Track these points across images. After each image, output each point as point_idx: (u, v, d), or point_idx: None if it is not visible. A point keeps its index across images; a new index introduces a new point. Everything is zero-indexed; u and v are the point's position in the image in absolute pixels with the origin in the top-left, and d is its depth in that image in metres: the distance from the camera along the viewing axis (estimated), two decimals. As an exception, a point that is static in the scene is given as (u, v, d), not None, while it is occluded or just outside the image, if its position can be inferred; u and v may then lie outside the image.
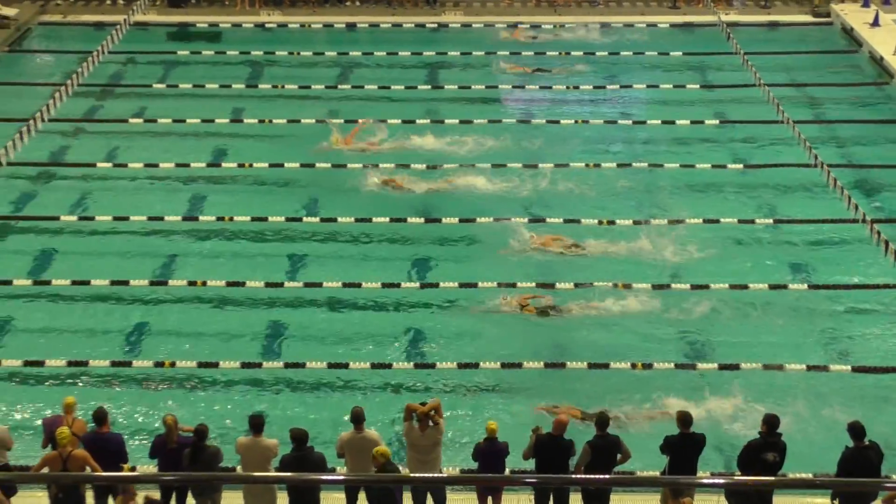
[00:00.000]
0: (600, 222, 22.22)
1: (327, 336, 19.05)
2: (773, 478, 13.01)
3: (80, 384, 17.61)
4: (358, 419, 13.66)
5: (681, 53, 31.17)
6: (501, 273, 20.43)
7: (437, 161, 24.67)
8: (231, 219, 22.26)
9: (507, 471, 13.90)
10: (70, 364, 17.92)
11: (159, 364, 17.96)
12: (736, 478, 13.58)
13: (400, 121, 26.68)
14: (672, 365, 17.99)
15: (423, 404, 14.01)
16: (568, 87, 29.00)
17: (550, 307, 19.48)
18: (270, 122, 26.88)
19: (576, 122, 26.92)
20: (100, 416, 13.56)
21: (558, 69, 30.03)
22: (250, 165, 24.64)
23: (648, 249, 21.22)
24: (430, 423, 13.80)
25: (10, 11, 32.83)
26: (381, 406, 16.95)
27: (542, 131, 26.53)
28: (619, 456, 13.65)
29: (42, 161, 24.88)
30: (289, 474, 12.58)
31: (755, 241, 21.87)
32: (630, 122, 27.04)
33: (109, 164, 24.67)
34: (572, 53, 30.89)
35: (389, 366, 18.02)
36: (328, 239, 22.00)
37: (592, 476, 13.24)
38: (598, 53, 30.99)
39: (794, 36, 32.82)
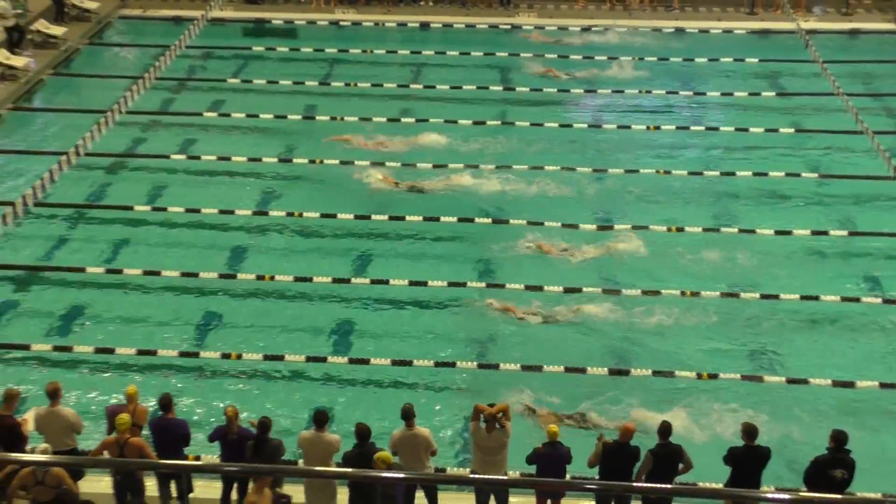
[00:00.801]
0: (669, 229, 22.02)
1: (391, 333, 19.09)
2: (840, 496, 12.76)
3: (148, 373, 17.84)
4: (408, 416, 13.67)
5: (757, 60, 30.79)
6: (568, 278, 20.34)
7: (506, 161, 24.62)
8: (300, 214, 22.40)
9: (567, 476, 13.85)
10: (139, 353, 18.15)
11: (226, 356, 18.14)
12: (802, 494, 13.34)
13: (471, 122, 26.71)
14: (738, 376, 17.71)
15: (492, 405, 13.97)
16: (640, 92, 28.81)
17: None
18: (342, 119, 27.03)
19: (647, 128, 26.71)
20: (165, 403, 13.75)
21: (583, 72, 30.05)
22: (321, 162, 24.78)
23: (715, 259, 20.97)
24: (497, 426, 13.76)
25: (91, 5, 33.45)
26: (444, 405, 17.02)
27: (611, 136, 26.36)
28: (680, 465, 13.52)
29: (118, 152, 25.25)
30: (349, 470, 12.59)
31: (828, 253, 21.47)
32: (703, 128, 26.76)
33: (183, 157, 24.97)
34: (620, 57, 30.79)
35: (453, 364, 17.99)
36: (398, 237, 22.06)
37: (653, 485, 13.12)
38: (646, 58, 30.84)
39: (876, 44, 32.26)
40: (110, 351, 18.16)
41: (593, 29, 33.14)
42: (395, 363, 17.90)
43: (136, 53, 31.64)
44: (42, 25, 30.92)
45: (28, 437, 13.81)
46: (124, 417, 13.11)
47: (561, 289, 19.93)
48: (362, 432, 13.32)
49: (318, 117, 27.31)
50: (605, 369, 17.92)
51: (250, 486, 12.92)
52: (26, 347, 18.25)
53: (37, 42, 30.40)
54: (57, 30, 31.13)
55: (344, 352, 18.48)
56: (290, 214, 22.45)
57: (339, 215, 22.33)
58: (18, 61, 28.79)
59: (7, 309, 19.73)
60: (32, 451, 12.82)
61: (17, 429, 13.59)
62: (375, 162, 24.50)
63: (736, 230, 21.96)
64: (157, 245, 21.81)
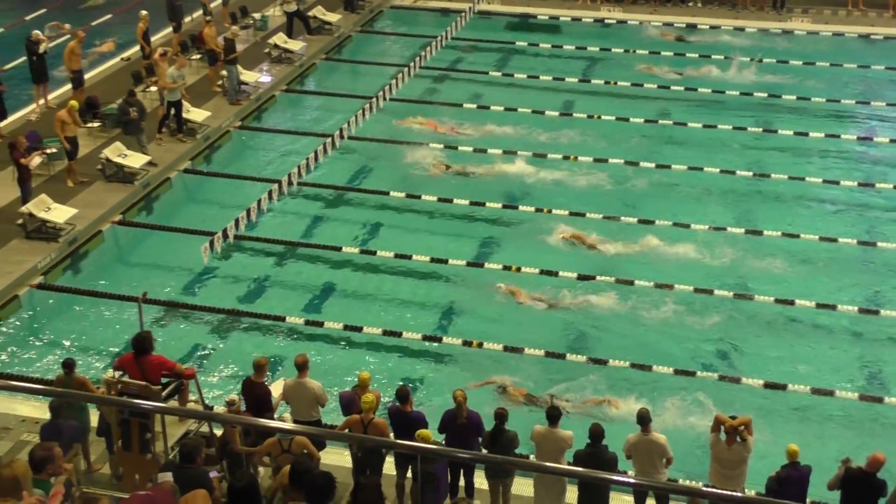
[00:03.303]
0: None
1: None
2: None
3: (394, 354, 18.32)
4: (644, 420, 13.44)
5: None
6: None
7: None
8: (549, 211, 22.40)
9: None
10: (385, 333, 18.66)
11: (467, 343, 18.39)
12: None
13: (730, 127, 26.00)
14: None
15: (734, 418, 13.58)
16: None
17: None
18: (599, 117, 26.89)
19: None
20: (403, 395, 13.93)
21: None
22: (575, 159, 24.73)
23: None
24: (738, 439, 13.35)
25: (366, -6, 34.69)
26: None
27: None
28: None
29: (378, 137, 26.02)
30: (579, 469, 12.50)
31: None
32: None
33: (440, 146, 25.47)
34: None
35: (693, 373, 17.59)
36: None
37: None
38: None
39: None
40: (358, 329, 18.76)
41: (871, 37, 31.55)
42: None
43: (403, 42, 32.56)
44: (319, 12, 32.30)
45: (276, 406, 14.47)
46: (370, 397, 13.47)
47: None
48: (595, 433, 13.19)
49: (575, 114, 27.26)
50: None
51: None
52: (281, 319, 19.12)
53: (313, 28, 31.80)
54: (332, 16, 32.45)
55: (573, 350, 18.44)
56: (538, 210, 22.49)
57: (588, 214, 22.23)
58: (294, 45, 30.20)
59: (266, 281, 20.75)
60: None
61: (267, 398, 14.26)
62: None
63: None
64: (409, 230, 22.37)
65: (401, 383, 16.00)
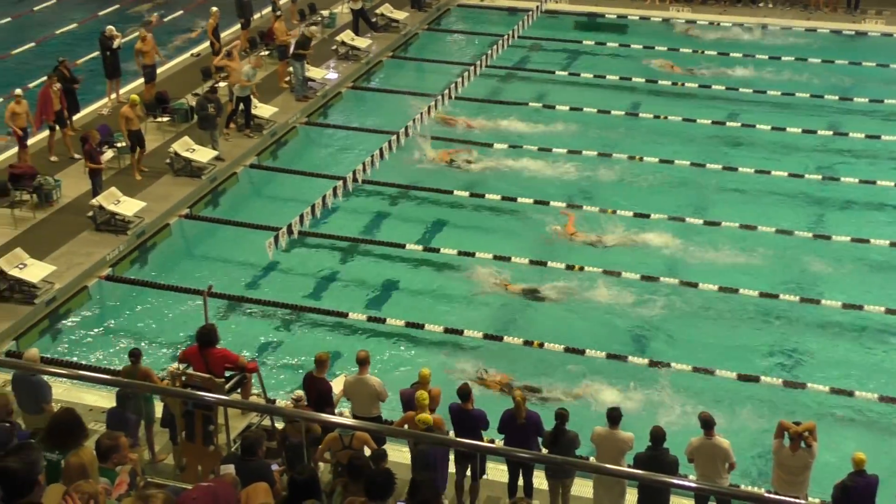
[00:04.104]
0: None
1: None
2: None
3: (455, 351, 18.33)
4: (708, 425, 13.30)
5: None
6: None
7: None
8: (614, 212, 22.28)
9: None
10: (446, 331, 18.68)
11: (528, 343, 18.32)
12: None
13: (799, 130, 25.70)
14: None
15: (798, 424, 13.40)
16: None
17: None
18: (665, 118, 26.69)
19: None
20: (464, 393, 13.92)
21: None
22: (640, 159, 24.56)
23: None
24: (803, 445, 13.17)
25: (434, -7, 34.75)
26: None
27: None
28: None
29: (443, 136, 26.03)
30: (639, 472, 12.39)
31: None
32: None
33: (505, 146, 25.44)
34: None
35: (756, 379, 17.38)
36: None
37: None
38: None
39: None
40: (419, 326, 18.81)
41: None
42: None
43: (469, 41, 32.56)
44: (386, 9, 32.41)
45: (337, 401, 14.55)
46: (423, 394, 13.50)
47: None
48: (657, 435, 13.09)
49: (641, 114, 27.08)
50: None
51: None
52: (344, 315, 19.23)
53: (380, 25, 31.92)
54: (399, 14, 32.55)
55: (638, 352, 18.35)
56: (602, 211, 22.38)
57: (653, 215, 22.07)
58: (361, 42, 30.35)
59: (330, 277, 20.88)
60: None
61: (328, 393, 14.33)
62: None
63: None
64: (471, 228, 22.40)
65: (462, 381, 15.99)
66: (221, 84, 26.31)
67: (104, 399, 15.50)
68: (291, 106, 26.86)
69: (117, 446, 9.55)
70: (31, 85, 26.41)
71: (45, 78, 23.93)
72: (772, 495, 12.80)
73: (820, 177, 23.83)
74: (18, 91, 23.05)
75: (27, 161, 22.60)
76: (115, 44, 26.04)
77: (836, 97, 27.76)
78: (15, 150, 23.20)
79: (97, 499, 7.62)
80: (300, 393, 14.16)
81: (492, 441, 14.10)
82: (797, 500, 11.87)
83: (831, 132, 25.90)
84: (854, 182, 23.46)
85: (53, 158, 23.47)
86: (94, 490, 7.70)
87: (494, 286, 20.05)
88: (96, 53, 27.32)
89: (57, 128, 23.53)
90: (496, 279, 20.13)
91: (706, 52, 30.87)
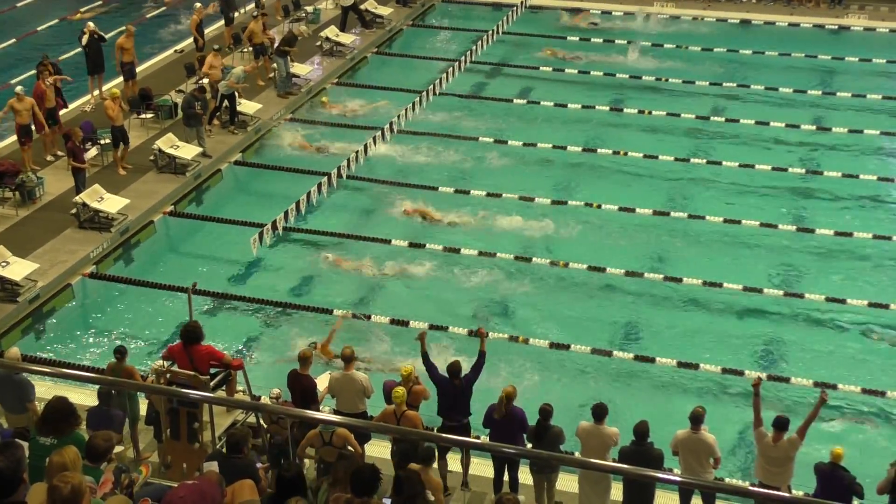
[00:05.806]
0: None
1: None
2: None
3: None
4: (696, 420, 13.35)
5: None
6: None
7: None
8: (599, 206, 22.32)
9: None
10: (431, 327, 18.56)
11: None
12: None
13: (783, 124, 25.74)
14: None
15: (786, 418, 13.42)
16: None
17: None
18: (649, 113, 26.75)
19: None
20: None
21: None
22: (625, 154, 24.61)
23: None
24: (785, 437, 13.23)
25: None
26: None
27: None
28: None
29: (427, 131, 25.98)
30: (624, 466, 12.42)
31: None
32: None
33: (490, 140, 25.44)
34: None
35: (741, 373, 17.46)
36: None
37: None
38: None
39: None
40: (405, 323, 18.77)
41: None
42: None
43: (453, 37, 32.51)
44: (371, 5, 32.35)
45: (322, 398, 14.54)
46: (399, 391, 13.54)
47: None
48: (641, 430, 13.12)
49: (626, 110, 27.11)
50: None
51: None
52: (329, 311, 19.18)
53: (366, 21, 31.84)
54: (384, 10, 32.48)
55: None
56: (588, 204, 22.42)
57: (638, 210, 22.16)
58: (346, 38, 30.28)
59: (314, 274, 20.84)
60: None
61: (312, 390, 14.33)
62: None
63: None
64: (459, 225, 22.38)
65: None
66: (205, 81, 26.23)
67: (88, 397, 15.40)
68: (275, 102, 26.79)
69: (112, 447, 9.62)
70: (12, 81, 26.16)
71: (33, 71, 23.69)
72: (755, 488, 12.92)
73: (803, 170, 23.91)
74: (19, 89, 22.62)
75: (27, 157, 22.42)
76: (84, 40, 25.57)
77: (820, 92, 27.88)
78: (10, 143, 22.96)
79: (81, 489, 7.62)
80: (277, 391, 14.15)
81: (477, 437, 14.09)
82: (779, 493, 11.89)
83: (814, 127, 25.98)
84: (837, 175, 23.58)
85: (49, 157, 23.32)
86: (79, 480, 7.71)
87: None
88: (78, 49, 27.11)
89: (46, 127, 23.20)
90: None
91: (690, 47, 30.90)
